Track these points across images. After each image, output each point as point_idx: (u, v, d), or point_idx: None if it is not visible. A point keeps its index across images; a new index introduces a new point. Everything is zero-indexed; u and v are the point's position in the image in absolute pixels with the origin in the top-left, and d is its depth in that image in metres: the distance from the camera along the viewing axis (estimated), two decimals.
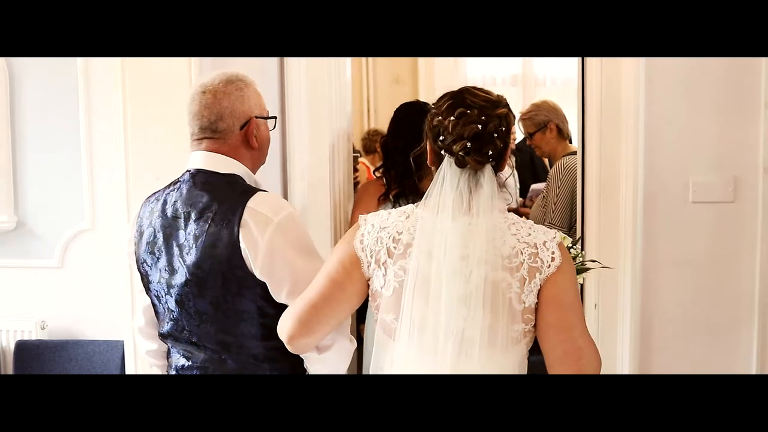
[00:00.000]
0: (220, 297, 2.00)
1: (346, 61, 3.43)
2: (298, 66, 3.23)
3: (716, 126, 3.09)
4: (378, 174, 3.26)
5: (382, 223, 1.81)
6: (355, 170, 3.91)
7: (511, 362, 1.80)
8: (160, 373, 2.28)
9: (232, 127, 2.07)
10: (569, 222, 3.75)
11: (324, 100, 3.25)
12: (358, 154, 4.36)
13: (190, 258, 2.00)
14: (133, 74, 2.95)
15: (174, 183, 2.12)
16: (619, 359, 3.18)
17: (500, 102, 1.81)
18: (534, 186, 5.18)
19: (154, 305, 2.16)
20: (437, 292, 1.72)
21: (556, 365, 1.78)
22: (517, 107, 6.32)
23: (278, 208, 2.00)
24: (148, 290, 2.15)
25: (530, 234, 1.77)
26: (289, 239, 1.99)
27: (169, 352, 2.20)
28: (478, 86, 1.86)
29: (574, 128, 3.55)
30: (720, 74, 3.06)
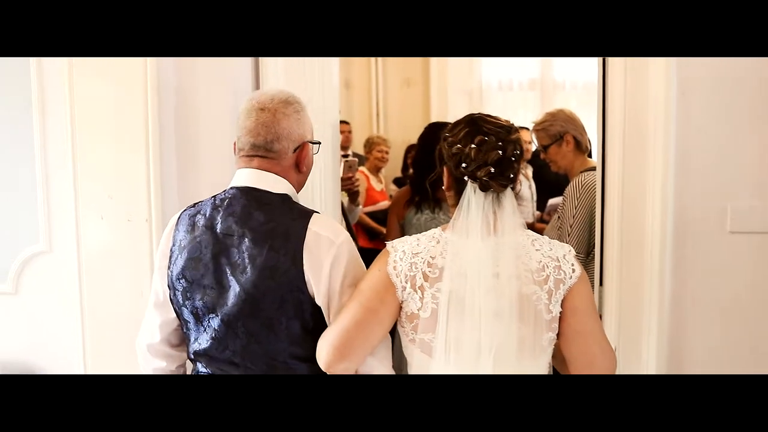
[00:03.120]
0: (275, 318, 2.00)
1: (333, 63, 3.10)
2: (275, 68, 2.91)
3: (760, 143, 2.70)
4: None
5: (413, 249, 1.94)
6: (351, 178, 3.86)
7: (540, 369, 1.96)
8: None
9: (286, 149, 2.07)
10: (587, 248, 3.39)
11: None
12: (356, 159, 4.02)
13: (246, 277, 1.99)
14: (83, 92, 2.77)
15: (221, 199, 2.08)
16: None
17: (512, 128, 1.96)
18: (552, 201, 4.82)
19: (185, 322, 2.12)
20: (472, 310, 1.85)
21: (579, 369, 1.97)
22: (535, 113, 6.01)
23: (338, 230, 2.04)
24: (182, 306, 2.10)
25: (551, 248, 1.95)
26: (350, 261, 2.04)
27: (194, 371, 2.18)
28: (487, 113, 2.01)
29: (595, 139, 3.16)
30: (766, 81, 2.67)
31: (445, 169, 1.99)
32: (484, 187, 1.90)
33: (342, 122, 6.68)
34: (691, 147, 2.72)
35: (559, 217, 3.59)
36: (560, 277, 1.92)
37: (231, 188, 2.09)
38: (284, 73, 2.90)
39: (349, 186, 3.93)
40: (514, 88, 7.36)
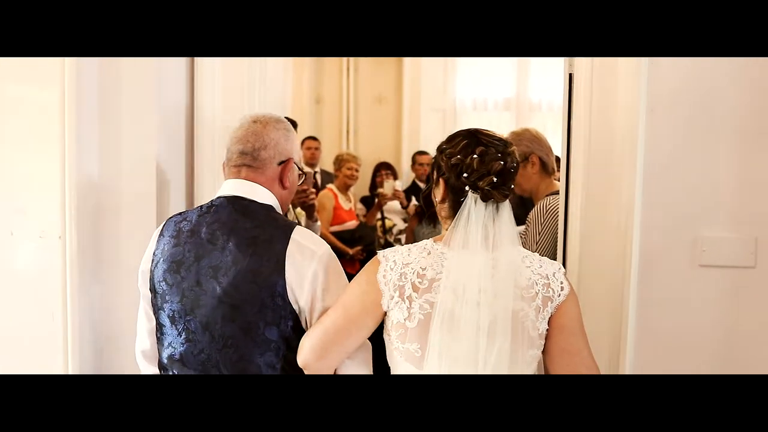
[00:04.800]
0: (253, 323, 2.06)
1: (278, 65, 2.98)
2: (212, 71, 2.76)
3: (736, 168, 2.53)
4: None
5: (404, 259, 1.96)
6: (306, 190, 3.65)
7: None
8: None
9: (272, 159, 2.18)
10: None
11: (239, 108, 2.82)
12: (311, 171, 3.81)
13: (228, 280, 2.06)
14: None
15: (208, 207, 2.18)
16: None
17: (509, 141, 2.01)
18: (518, 228, 4.63)
19: (161, 326, 2.18)
20: (466, 324, 1.87)
21: None
22: None
23: (319, 242, 2.12)
24: (159, 309, 2.18)
25: (541, 266, 1.98)
26: (331, 272, 2.10)
27: None
28: (483, 128, 2.05)
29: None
30: (743, 100, 2.49)
31: (441, 180, 2.01)
32: (485, 197, 1.92)
33: (310, 138, 6.50)
34: (660, 173, 2.55)
35: (521, 243, 3.35)
36: (549, 294, 1.94)
37: (218, 197, 2.18)
38: (222, 77, 2.76)
39: (303, 199, 3.71)
40: (488, 108, 7.32)
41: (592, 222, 2.65)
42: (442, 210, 2.04)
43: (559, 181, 3.39)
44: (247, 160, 2.17)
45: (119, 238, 2.60)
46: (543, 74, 7.08)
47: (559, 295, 1.95)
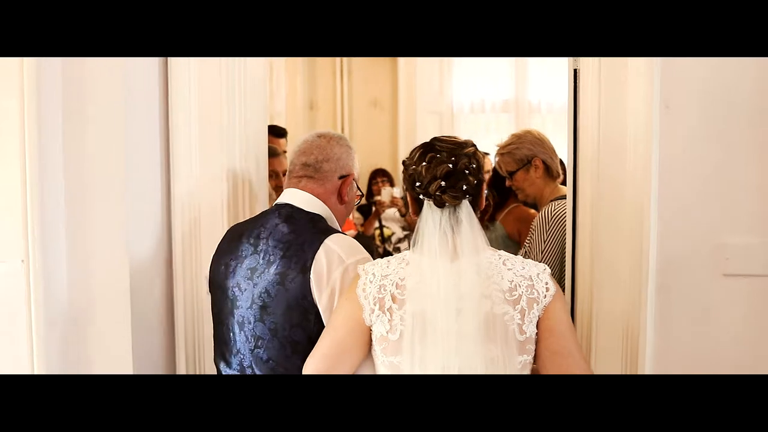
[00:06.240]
0: (279, 325, 2.15)
1: (259, 65, 2.85)
2: (188, 72, 2.65)
3: (760, 169, 2.38)
4: None
5: (383, 271, 1.99)
6: None
7: None
8: None
9: (333, 172, 2.30)
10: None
11: (218, 113, 2.71)
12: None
13: (259, 281, 2.18)
14: None
15: (261, 214, 2.35)
16: None
17: (467, 143, 2.03)
18: None
19: (214, 326, 2.34)
20: (438, 331, 1.88)
21: None
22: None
23: (353, 251, 2.17)
24: (211, 311, 2.35)
25: (524, 267, 1.97)
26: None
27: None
28: (447, 134, 2.08)
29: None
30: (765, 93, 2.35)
31: (408, 194, 2.05)
32: (438, 203, 1.94)
33: None
34: (677, 174, 2.40)
35: (525, 252, 3.27)
36: (533, 296, 1.93)
37: (273, 205, 2.32)
38: (197, 80, 2.64)
39: None
40: (486, 110, 7.30)
41: (603, 229, 2.51)
42: (416, 222, 2.04)
43: (564, 185, 3.26)
44: (309, 171, 2.30)
45: (88, 258, 2.41)
46: (542, 74, 7.04)
47: (545, 296, 1.94)
